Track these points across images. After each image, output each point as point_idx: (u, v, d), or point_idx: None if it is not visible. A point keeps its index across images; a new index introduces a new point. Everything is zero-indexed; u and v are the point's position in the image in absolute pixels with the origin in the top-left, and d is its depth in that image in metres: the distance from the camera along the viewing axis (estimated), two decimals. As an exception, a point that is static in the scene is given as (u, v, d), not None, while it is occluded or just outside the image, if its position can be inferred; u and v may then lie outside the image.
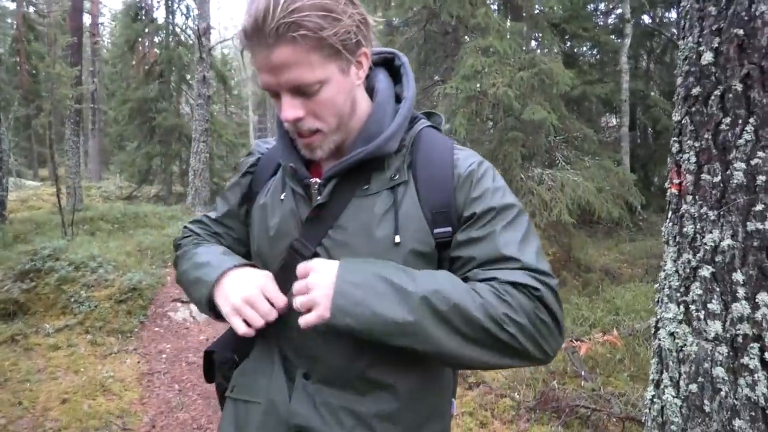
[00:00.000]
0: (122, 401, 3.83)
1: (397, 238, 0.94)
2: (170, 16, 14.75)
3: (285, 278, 1.00)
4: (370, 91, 1.03)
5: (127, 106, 14.45)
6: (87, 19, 16.06)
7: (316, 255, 0.97)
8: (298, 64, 0.85)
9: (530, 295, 0.87)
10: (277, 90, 0.90)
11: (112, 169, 20.10)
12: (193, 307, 5.77)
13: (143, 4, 15.42)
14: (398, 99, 1.04)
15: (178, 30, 14.97)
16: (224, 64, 21.42)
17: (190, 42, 14.49)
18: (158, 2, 15.12)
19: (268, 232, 1.04)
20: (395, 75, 1.07)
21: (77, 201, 8.99)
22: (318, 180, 0.99)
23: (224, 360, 1.15)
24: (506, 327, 0.84)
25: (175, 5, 14.85)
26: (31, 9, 17.77)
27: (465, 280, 0.92)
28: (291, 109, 0.89)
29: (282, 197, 1.04)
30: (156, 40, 15.97)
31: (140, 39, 15.61)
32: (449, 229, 0.96)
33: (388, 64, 1.09)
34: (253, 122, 28.17)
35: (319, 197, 0.98)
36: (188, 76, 15.04)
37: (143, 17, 15.08)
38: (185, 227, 1.26)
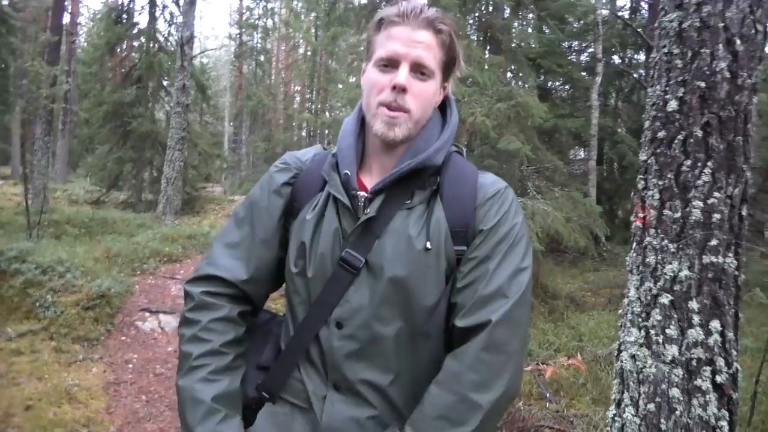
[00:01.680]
0: (88, 410, 3.77)
1: (428, 245, 1.02)
2: (153, 22, 14.69)
3: (333, 292, 1.05)
4: None
5: (101, 108, 14.21)
6: (65, 18, 15.84)
7: (363, 267, 1.03)
8: (430, 49, 1.03)
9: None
10: (401, 60, 1.02)
11: (80, 172, 19.66)
12: (162, 317, 5.72)
13: (126, 8, 15.32)
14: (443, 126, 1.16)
15: (160, 36, 14.89)
16: (203, 73, 21.34)
17: (171, 49, 14.43)
18: (141, 7, 15.02)
19: (314, 251, 1.07)
20: (441, 106, 1.17)
21: (44, 203, 8.79)
22: (365, 194, 1.06)
23: (248, 400, 1.12)
24: None
25: (159, 12, 14.80)
26: (5, 1, 17.44)
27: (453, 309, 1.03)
28: (406, 78, 1.02)
29: (325, 213, 1.08)
30: (136, 44, 15.85)
31: (120, 42, 15.46)
32: (464, 247, 1.05)
33: None
34: (228, 133, 27.99)
35: (367, 210, 1.04)
36: (166, 83, 14.93)
37: (125, 20, 14.97)
38: (187, 293, 1.13)
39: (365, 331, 1.03)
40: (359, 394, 1.03)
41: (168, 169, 11.63)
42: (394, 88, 1.02)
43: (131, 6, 15.21)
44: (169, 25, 14.95)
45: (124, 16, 15.03)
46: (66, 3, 13.30)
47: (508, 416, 3.47)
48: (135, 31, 15.16)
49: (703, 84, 1.89)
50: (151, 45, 14.57)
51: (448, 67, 1.09)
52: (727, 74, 1.86)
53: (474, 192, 1.07)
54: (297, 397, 1.09)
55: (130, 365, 4.71)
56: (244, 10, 27.96)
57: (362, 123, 1.14)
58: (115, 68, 16.83)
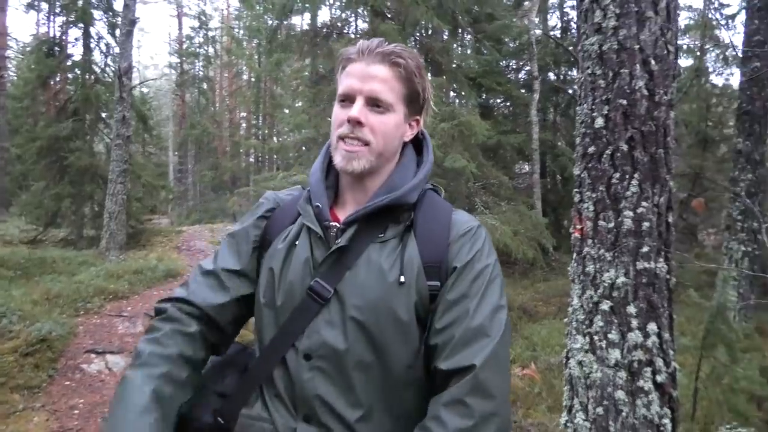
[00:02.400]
0: (30, 462, 3.55)
1: (402, 278, 1.02)
2: (88, 53, 14.26)
3: (298, 321, 1.04)
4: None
5: (35, 144, 13.58)
6: (-8, 53, 15.19)
7: (332, 297, 1.03)
8: (385, 82, 1.05)
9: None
10: (356, 94, 1.05)
11: (13, 211, 18.66)
12: (109, 357, 5.46)
13: (58, 40, 14.82)
14: (418, 164, 1.17)
15: (96, 68, 14.46)
16: (144, 103, 20.82)
17: (109, 80, 14.04)
18: (75, 38, 14.56)
19: (283, 279, 1.07)
20: (417, 145, 1.19)
21: (-25, 245, 8.29)
22: (338, 224, 1.08)
23: (203, 427, 1.09)
24: None
25: (94, 43, 14.39)
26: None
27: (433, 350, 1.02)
28: (360, 111, 1.04)
29: (297, 243, 1.10)
30: (71, 76, 15.32)
31: (53, 75, 14.91)
32: (438, 283, 1.04)
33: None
34: (173, 163, 27.33)
35: (338, 240, 1.05)
36: (105, 115, 14.47)
37: (57, 53, 14.47)
38: (158, 309, 1.15)
39: (334, 364, 1.02)
40: (329, 429, 1.01)
41: (110, 203, 11.22)
42: (349, 121, 1.05)
43: (64, 38, 14.73)
44: (106, 56, 14.54)
45: (56, 48, 14.52)
46: (-7, 36, 12.76)
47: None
48: (69, 63, 14.66)
49: (624, 102, 2.03)
50: (87, 77, 14.12)
51: (413, 100, 1.10)
52: (645, 92, 2.01)
53: (447, 229, 1.07)
54: None
55: (76, 411, 4.46)
56: (184, 39, 27.61)
57: (331, 159, 1.15)
58: (48, 102, 16.17)
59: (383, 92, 1.05)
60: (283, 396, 1.05)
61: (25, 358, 4.97)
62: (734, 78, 12.82)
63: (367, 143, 1.05)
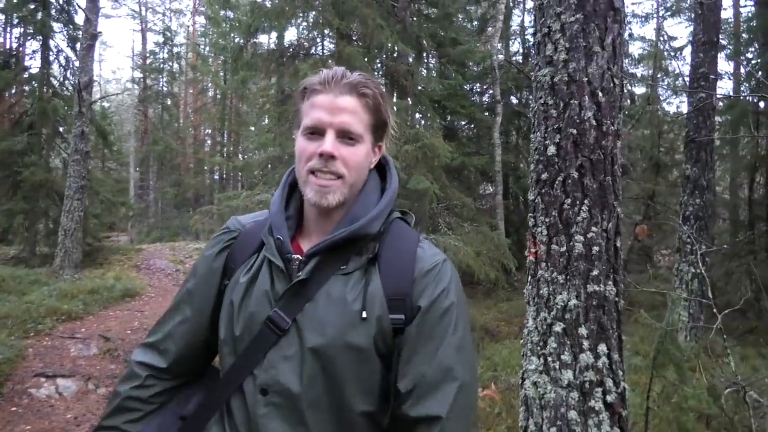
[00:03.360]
0: (-31, 495, 3.36)
1: (364, 314, 1.00)
2: (46, 66, 13.91)
3: (256, 351, 1.03)
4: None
5: (-13, 158, 13.12)
6: (-56, 63, 14.64)
7: (290, 327, 1.02)
8: (355, 114, 1.04)
9: None
10: (326, 128, 1.03)
11: (-39, 227, 17.83)
12: (60, 381, 5.25)
13: (15, 51, 14.42)
14: (382, 191, 1.15)
15: (54, 81, 14.10)
16: (104, 118, 20.37)
17: (68, 94, 13.70)
18: (33, 51, 14.20)
19: (243, 311, 1.06)
20: (380, 171, 1.18)
21: None
22: (300, 256, 1.06)
23: None
24: None
25: (53, 56, 14.06)
26: None
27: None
28: (332, 145, 1.03)
29: (258, 275, 1.08)
30: (27, 89, 14.89)
31: (9, 88, 14.45)
32: (402, 316, 1.02)
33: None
34: (134, 179, 26.70)
35: (300, 273, 1.03)
36: (63, 129, 14.09)
37: (13, 65, 14.06)
38: (131, 370, 1.17)
39: (288, 402, 1.00)
40: None
41: (66, 219, 10.86)
42: (321, 155, 1.03)
43: (21, 50, 14.35)
44: (65, 70, 14.21)
45: (12, 60, 14.12)
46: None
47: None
48: (26, 75, 14.26)
49: (574, 131, 2.12)
50: (45, 90, 13.75)
51: (378, 128, 1.09)
52: (594, 122, 2.11)
53: (412, 263, 1.05)
54: None
55: (22, 439, 4.26)
56: (147, 54, 27.24)
57: (292, 188, 1.15)
58: (3, 115, 15.64)
59: (353, 124, 1.04)
60: (240, 428, 1.04)
61: (-31, 383, 4.74)
62: (684, 105, 13.51)
63: (340, 176, 1.04)
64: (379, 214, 1.07)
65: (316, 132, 1.05)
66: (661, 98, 12.50)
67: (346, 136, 1.04)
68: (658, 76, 12.58)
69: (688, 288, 5.74)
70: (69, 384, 5.22)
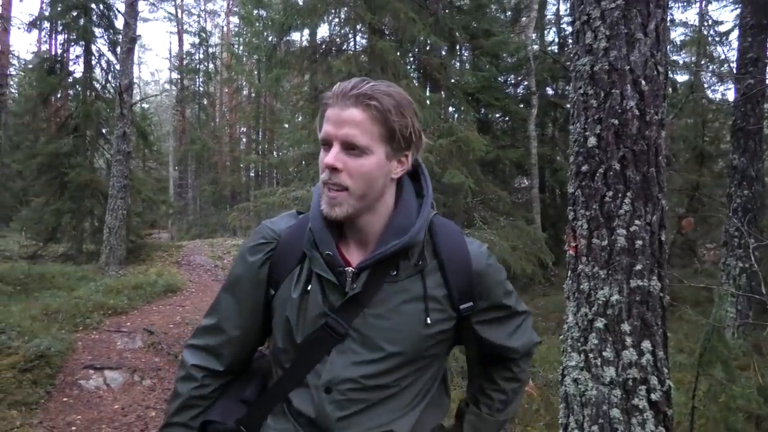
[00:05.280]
0: (26, 480, 3.52)
1: (428, 320, 1.09)
2: (89, 71, 14.39)
3: (312, 355, 1.10)
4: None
5: (36, 160, 13.66)
6: (-5, 70, 15.33)
7: (351, 332, 1.09)
8: (359, 126, 1.05)
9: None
10: (332, 140, 1.06)
11: (13, 227, 18.67)
12: (107, 373, 5.45)
13: (60, 57, 14.97)
14: (417, 195, 1.19)
15: (97, 85, 14.59)
16: (144, 119, 20.95)
17: (109, 97, 14.15)
18: (76, 56, 14.71)
19: (299, 323, 1.11)
20: (414, 175, 1.21)
21: (-26, 261, 8.29)
22: (352, 268, 1.09)
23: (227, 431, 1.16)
24: None
25: (95, 60, 14.54)
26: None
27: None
28: (335, 158, 1.05)
29: (309, 289, 1.12)
30: (72, 93, 15.45)
31: (55, 92, 15.03)
32: (471, 303, 1.15)
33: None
34: (173, 178, 27.41)
35: (354, 285, 1.08)
36: (105, 131, 14.57)
37: (59, 71, 14.61)
38: (185, 373, 1.22)
39: (351, 398, 1.08)
40: None
41: (110, 218, 11.25)
42: (327, 167, 1.07)
43: (65, 56, 14.88)
44: (107, 73, 14.68)
45: (58, 65, 14.66)
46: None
47: None
48: (70, 80, 14.79)
49: (616, 121, 2.06)
50: (88, 94, 14.24)
51: (392, 138, 1.08)
52: (636, 112, 2.04)
53: (467, 256, 1.15)
54: None
55: (73, 428, 4.44)
56: (184, 56, 27.86)
57: None
58: (49, 119, 16.28)
59: (357, 136, 1.04)
60: (302, 420, 1.11)
61: (24, 374, 4.97)
62: (730, 93, 12.96)
63: (345, 188, 1.06)
64: (423, 225, 1.12)
65: (326, 144, 1.08)
66: (706, 86, 12.01)
67: (350, 147, 1.06)
68: (702, 62, 12.11)
69: (736, 283, 5.51)
70: (116, 376, 5.42)
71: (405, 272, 1.10)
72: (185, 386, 1.20)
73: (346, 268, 1.09)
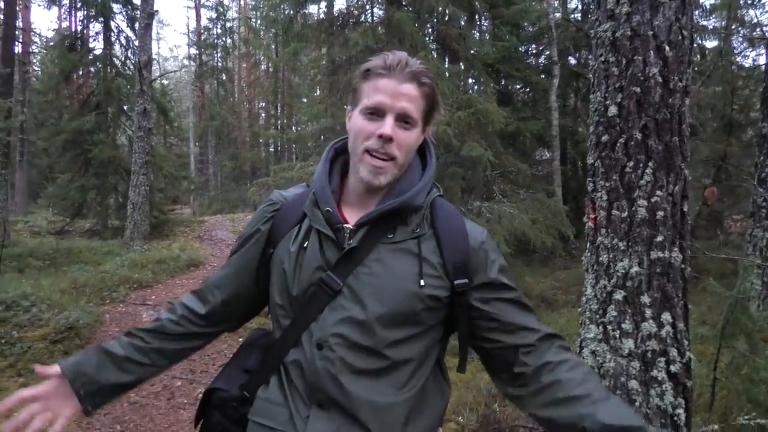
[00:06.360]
0: (60, 446, 3.68)
1: (422, 282, 1.10)
2: (108, 47, 14.48)
3: (311, 311, 1.12)
4: None
5: (60, 137, 13.90)
6: (17, 48, 15.49)
7: (343, 289, 1.11)
8: (413, 101, 1.11)
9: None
10: (387, 111, 1.10)
11: (41, 203, 19.14)
12: (134, 345, 5.61)
13: (80, 34, 15.07)
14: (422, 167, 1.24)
15: (116, 61, 14.68)
16: (164, 95, 21.07)
17: (129, 73, 14.24)
18: (96, 33, 14.79)
19: (297, 277, 1.14)
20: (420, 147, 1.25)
21: (5, 236, 8.54)
22: (350, 225, 1.13)
23: (231, 398, 1.20)
24: None
25: (114, 36, 14.61)
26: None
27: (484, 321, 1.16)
28: (392, 128, 1.10)
29: (306, 245, 1.15)
30: (93, 70, 15.59)
31: (76, 69, 15.18)
32: (466, 280, 1.14)
33: None
34: (194, 154, 27.65)
35: (350, 241, 1.12)
36: (126, 108, 14.72)
37: (79, 47, 14.72)
38: (173, 306, 1.31)
39: (342, 355, 1.08)
40: (346, 413, 1.08)
41: (133, 194, 11.45)
42: (380, 137, 1.09)
43: (85, 32, 14.96)
44: (126, 50, 14.76)
45: (78, 43, 14.76)
46: (17, 33, 13.03)
47: (483, 418, 3.53)
48: (91, 57, 14.91)
49: (638, 89, 2.00)
50: (108, 70, 14.35)
51: (429, 114, 1.17)
52: (660, 79, 1.97)
53: (465, 235, 1.17)
54: (275, 421, 1.13)
55: (103, 398, 4.61)
56: (202, 31, 27.78)
57: (332, 162, 1.24)
58: (72, 96, 16.49)
59: (412, 110, 1.11)
60: (297, 381, 1.12)
61: (55, 345, 5.15)
62: (762, 59, 12.45)
63: (393, 158, 1.11)
64: (423, 188, 1.16)
65: (376, 113, 1.11)
66: (736, 51, 11.54)
67: (404, 120, 1.11)
68: (733, 27, 11.63)
69: (762, 255, 5.39)
70: (142, 348, 5.58)
71: (401, 236, 1.13)
72: (166, 314, 1.28)
73: (344, 225, 1.13)
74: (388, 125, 1.09)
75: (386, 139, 1.09)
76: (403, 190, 1.15)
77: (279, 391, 1.15)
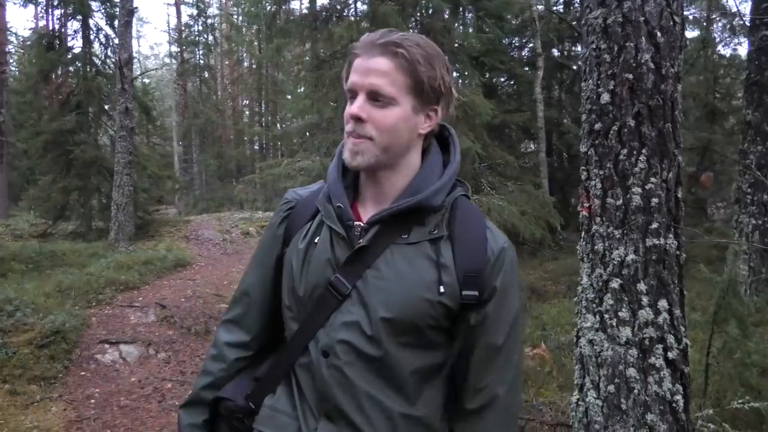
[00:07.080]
0: (49, 452, 3.61)
1: (442, 288, 1.01)
2: (88, 46, 14.21)
3: (319, 315, 1.06)
4: (423, 152, 1.13)
5: (40, 138, 13.61)
6: (-7, 48, 15.18)
7: (351, 293, 1.04)
8: (385, 75, 1.01)
9: None
10: (357, 90, 1.03)
11: (22, 206, 18.80)
12: (122, 347, 5.53)
13: (57, 33, 14.77)
14: (444, 164, 1.13)
15: (96, 60, 14.42)
16: (146, 94, 20.77)
17: (110, 72, 14.00)
18: (74, 31, 14.50)
19: (304, 276, 1.09)
20: (443, 144, 1.16)
21: (-14, 241, 8.35)
22: (362, 223, 1.07)
23: (237, 409, 1.15)
24: None
25: (93, 35, 14.33)
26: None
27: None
28: (359, 107, 1.02)
29: (316, 241, 1.09)
30: (72, 69, 15.29)
31: (55, 69, 14.88)
32: (476, 293, 1.04)
33: (438, 134, 1.17)
34: (178, 153, 27.35)
35: (361, 240, 1.05)
36: (108, 107, 14.47)
37: (57, 46, 14.42)
38: (213, 350, 1.23)
39: (348, 362, 1.03)
40: (352, 425, 1.03)
41: (117, 194, 11.27)
42: (351, 117, 1.04)
43: (63, 31, 14.67)
44: (106, 48, 14.48)
45: (56, 41, 14.47)
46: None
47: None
48: (69, 56, 14.61)
49: (630, 76, 1.99)
50: (88, 69, 14.09)
51: (420, 89, 1.03)
52: (652, 65, 1.96)
53: (484, 244, 1.06)
54: (283, 431, 1.08)
55: (92, 401, 4.53)
56: (183, 28, 27.42)
57: None
58: (51, 96, 16.19)
59: (383, 86, 1.01)
60: (307, 390, 1.07)
61: (41, 350, 5.05)
62: (742, 48, 12.61)
63: (370, 138, 1.03)
64: (442, 187, 1.07)
65: (352, 95, 1.04)
66: (717, 40, 11.68)
67: (375, 98, 1.02)
68: (713, 16, 11.76)
69: (749, 240, 5.46)
70: (131, 349, 5.50)
71: (416, 237, 1.05)
72: (215, 365, 1.21)
73: (356, 222, 1.07)
74: (355, 105, 1.02)
75: (356, 119, 1.02)
76: (420, 188, 1.06)
77: (287, 400, 1.10)
